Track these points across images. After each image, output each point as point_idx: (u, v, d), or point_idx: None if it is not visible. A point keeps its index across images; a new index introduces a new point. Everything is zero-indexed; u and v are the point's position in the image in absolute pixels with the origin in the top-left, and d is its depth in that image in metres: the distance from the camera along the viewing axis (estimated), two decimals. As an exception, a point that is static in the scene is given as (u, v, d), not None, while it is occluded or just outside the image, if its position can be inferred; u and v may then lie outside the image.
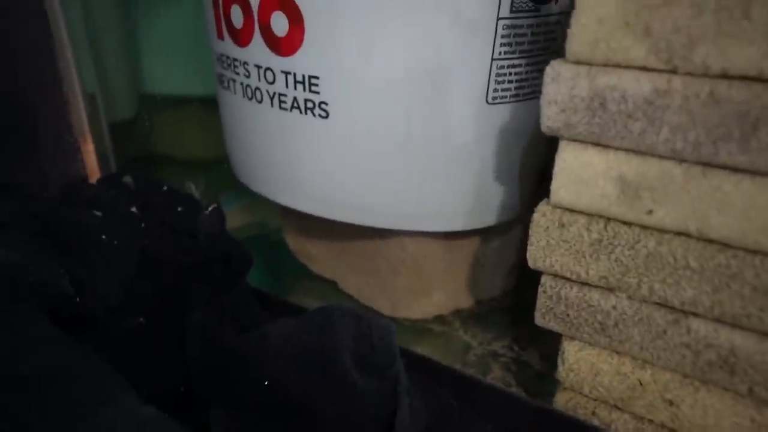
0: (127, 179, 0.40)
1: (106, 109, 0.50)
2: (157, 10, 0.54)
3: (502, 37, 0.30)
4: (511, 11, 0.30)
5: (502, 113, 0.32)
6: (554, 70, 0.25)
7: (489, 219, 0.36)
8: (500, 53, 0.31)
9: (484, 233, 0.39)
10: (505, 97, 0.32)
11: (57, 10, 0.41)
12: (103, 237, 0.33)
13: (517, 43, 0.31)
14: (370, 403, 0.29)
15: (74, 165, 0.45)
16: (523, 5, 0.30)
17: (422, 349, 0.39)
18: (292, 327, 0.30)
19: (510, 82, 0.32)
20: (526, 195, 0.37)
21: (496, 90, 0.31)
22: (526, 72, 0.32)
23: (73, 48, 0.43)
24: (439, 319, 0.41)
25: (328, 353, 0.29)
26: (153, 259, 0.35)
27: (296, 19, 0.32)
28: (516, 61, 0.31)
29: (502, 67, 0.31)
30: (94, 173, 0.47)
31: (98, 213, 0.35)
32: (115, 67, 0.54)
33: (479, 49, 0.30)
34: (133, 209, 0.39)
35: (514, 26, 0.30)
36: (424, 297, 0.40)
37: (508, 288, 0.43)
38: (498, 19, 0.30)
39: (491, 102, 0.32)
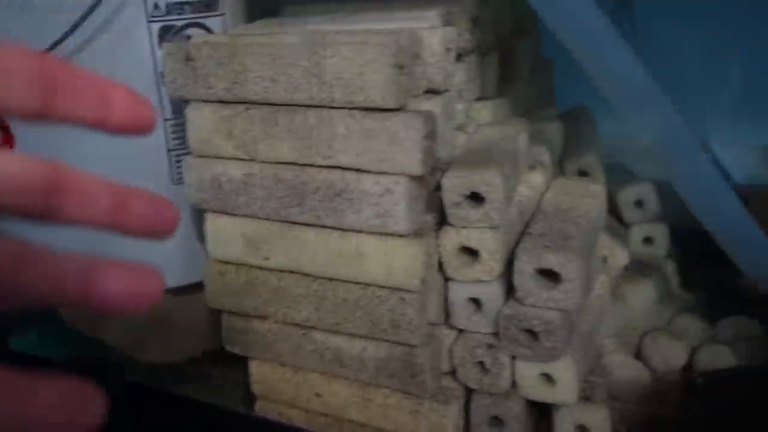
0: None
1: None
2: None
3: (173, 132, 0.39)
4: (173, 113, 0.38)
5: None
6: (187, 162, 0.34)
7: (200, 276, 0.44)
8: (174, 145, 0.39)
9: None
10: (188, 177, 0.41)
11: None
12: None
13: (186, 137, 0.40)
14: None
15: None
16: (184, 107, 0.39)
17: (183, 388, 0.46)
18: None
19: (191, 164, 0.40)
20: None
21: (178, 173, 0.40)
22: (205, 155, 0.41)
23: None
24: (193, 360, 0.49)
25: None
26: None
27: (5, 131, 0.39)
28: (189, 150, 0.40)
29: (179, 155, 0.40)
30: None
31: None
32: None
33: (157, 144, 0.39)
34: None
35: (179, 124, 0.39)
36: (172, 344, 0.48)
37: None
38: (164, 120, 0.38)
39: (176, 183, 0.40)
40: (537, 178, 0.36)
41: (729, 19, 0.57)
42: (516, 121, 0.37)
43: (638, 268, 0.47)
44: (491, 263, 0.31)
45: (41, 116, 0.16)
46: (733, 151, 0.62)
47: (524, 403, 0.33)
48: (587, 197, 0.35)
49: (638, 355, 0.42)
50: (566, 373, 0.31)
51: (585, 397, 0.33)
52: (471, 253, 0.32)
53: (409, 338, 0.32)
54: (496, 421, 0.33)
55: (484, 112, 0.38)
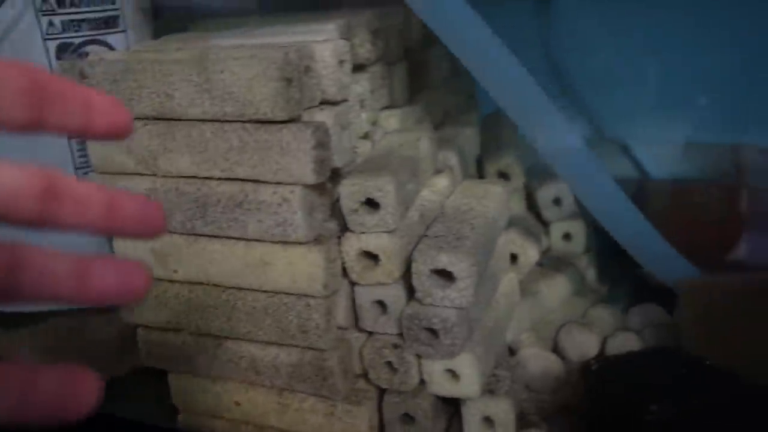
0: None
1: None
2: None
3: (78, 150, 0.39)
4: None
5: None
6: (91, 179, 0.34)
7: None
8: (80, 163, 0.39)
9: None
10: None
11: None
12: None
13: (99, 152, 0.40)
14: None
15: None
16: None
17: (108, 406, 0.45)
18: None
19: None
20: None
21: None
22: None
23: None
24: (118, 378, 0.48)
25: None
26: None
27: None
28: (104, 165, 0.40)
29: (86, 171, 0.40)
30: None
31: None
32: None
33: (63, 161, 0.39)
34: None
35: (84, 140, 0.39)
36: (95, 363, 0.47)
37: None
38: (69, 137, 0.38)
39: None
40: (442, 182, 0.38)
41: (648, 16, 0.59)
42: (419, 127, 0.38)
43: (555, 263, 0.49)
44: (390, 266, 0.32)
45: (31, 128, 0.16)
46: (652, 147, 0.64)
47: (433, 399, 0.34)
48: (486, 198, 0.36)
49: (555, 347, 0.44)
50: (468, 369, 0.32)
51: (490, 390, 0.34)
52: (372, 257, 0.33)
53: (317, 343, 0.33)
54: (407, 418, 0.34)
55: (392, 120, 0.39)
